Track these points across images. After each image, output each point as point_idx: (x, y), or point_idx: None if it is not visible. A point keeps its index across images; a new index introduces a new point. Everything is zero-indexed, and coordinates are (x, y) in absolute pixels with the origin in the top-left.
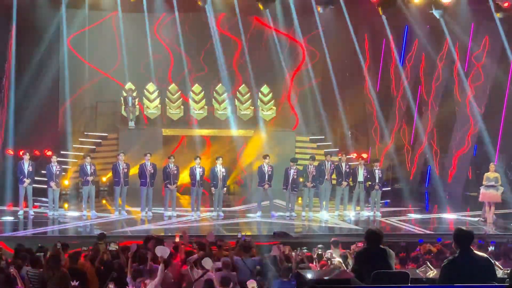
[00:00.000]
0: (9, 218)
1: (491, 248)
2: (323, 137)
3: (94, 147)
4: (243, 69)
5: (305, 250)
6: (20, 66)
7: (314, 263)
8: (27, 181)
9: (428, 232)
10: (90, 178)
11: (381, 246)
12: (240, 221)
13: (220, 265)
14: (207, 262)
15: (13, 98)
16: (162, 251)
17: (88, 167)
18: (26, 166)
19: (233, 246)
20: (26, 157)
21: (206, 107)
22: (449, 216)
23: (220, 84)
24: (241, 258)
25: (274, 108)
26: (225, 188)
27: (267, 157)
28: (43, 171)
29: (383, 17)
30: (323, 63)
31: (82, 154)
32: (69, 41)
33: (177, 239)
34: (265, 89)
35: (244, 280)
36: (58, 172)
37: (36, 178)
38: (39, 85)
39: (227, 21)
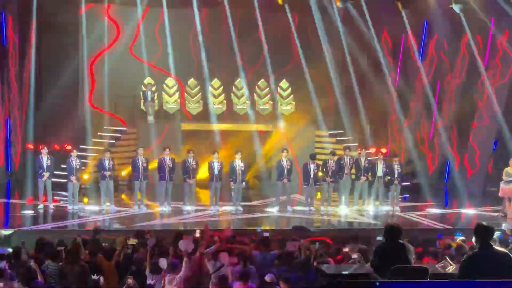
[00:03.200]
0: (29, 212)
1: None
2: (342, 131)
3: (114, 141)
4: (261, 63)
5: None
6: (41, 60)
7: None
8: (46, 174)
9: (447, 227)
10: (107, 173)
11: (400, 241)
12: (259, 216)
13: (237, 260)
14: (224, 257)
15: (33, 92)
16: (186, 245)
17: (107, 161)
18: (45, 160)
19: (251, 240)
20: (45, 151)
21: (225, 101)
22: (469, 211)
23: (239, 79)
24: (260, 252)
25: (293, 102)
26: (244, 183)
27: (286, 151)
28: (63, 165)
29: (403, 12)
30: (342, 57)
31: (101, 148)
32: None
33: (197, 234)
34: (284, 83)
35: (263, 274)
36: (78, 166)
37: (56, 172)
38: (59, 79)
39: (244, 15)
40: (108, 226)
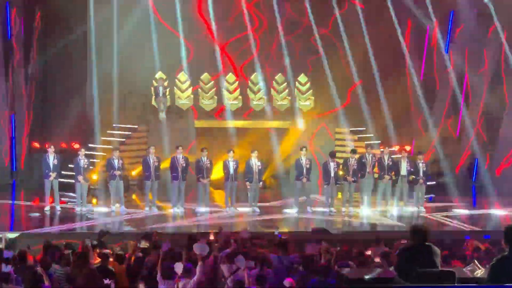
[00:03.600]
0: (36, 214)
1: None
2: (364, 128)
3: (123, 139)
4: (279, 57)
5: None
6: (46, 53)
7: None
8: (52, 175)
9: (475, 228)
10: (117, 173)
11: (426, 243)
12: (276, 217)
13: (253, 264)
14: (240, 260)
15: (39, 87)
16: (201, 249)
17: (116, 161)
18: (51, 159)
19: (269, 243)
20: (51, 150)
21: (240, 97)
22: (499, 212)
23: (256, 73)
24: (278, 256)
25: (312, 98)
26: (260, 183)
27: (305, 149)
28: (70, 165)
29: (427, 1)
30: (364, 50)
31: (110, 147)
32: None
33: (211, 237)
34: (302, 78)
35: (281, 278)
36: (86, 166)
37: (63, 172)
38: (66, 74)
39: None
40: (118, 228)
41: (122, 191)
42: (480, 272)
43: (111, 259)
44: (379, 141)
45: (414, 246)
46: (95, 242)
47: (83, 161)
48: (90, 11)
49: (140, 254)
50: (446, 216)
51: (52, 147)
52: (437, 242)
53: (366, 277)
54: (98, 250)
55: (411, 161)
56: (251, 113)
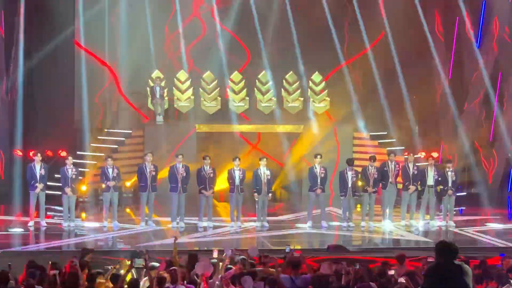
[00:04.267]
0: (18, 230)
1: None
2: (386, 133)
3: (116, 146)
4: (290, 54)
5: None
6: (30, 53)
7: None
8: (39, 186)
9: (511, 245)
10: (111, 184)
11: (455, 262)
12: (288, 233)
13: (262, 286)
14: (247, 282)
15: (21, 89)
16: (204, 268)
17: (110, 170)
18: (38, 169)
19: (280, 262)
20: (38, 158)
21: (247, 98)
22: None
23: (264, 72)
24: (290, 276)
25: (328, 99)
26: (270, 194)
27: (319, 157)
28: (57, 175)
29: None
30: (385, 45)
31: (102, 155)
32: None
33: (215, 255)
34: (316, 77)
35: None
36: (74, 176)
37: (48, 183)
38: (51, 75)
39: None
40: (111, 246)
41: (116, 204)
42: None
43: (102, 280)
44: (403, 147)
45: (442, 265)
46: (75, 262)
47: (70, 171)
48: (79, 7)
49: (135, 275)
50: (479, 231)
51: (39, 155)
52: (468, 261)
53: None
54: (87, 271)
55: (439, 169)
56: (259, 116)
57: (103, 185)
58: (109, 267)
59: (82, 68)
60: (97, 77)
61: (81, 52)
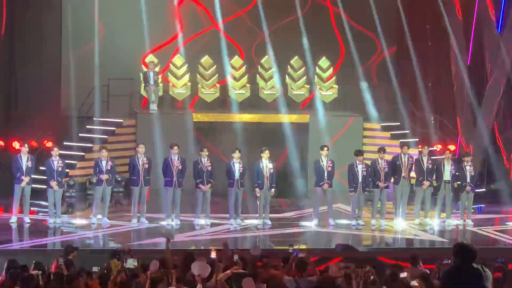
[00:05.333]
0: None
1: None
2: (399, 123)
3: (106, 136)
4: (296, 36)
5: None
6: (12, 33)
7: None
8: (25, 179)
9: None
10: (104, 177)
11: (474, 265)
12: (292, 231)
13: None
14: (248, 283)
15: (3, 74)
16: (201, 269)
17: (104, 162)
18: (24, 161)
19: (283, 263)
20: (25, 149)
21: (248, 85)
22: None
23: (267, 57)
24: (294, 279)
25: (336, 86)
26: (272, 189)
27: (326, 149)
28: (41, 168)
29: None
30: (399, 28)
31: (90, 145)
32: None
33: (213, 254)
34: (324, 62)
35: None
36: (60, 169)
37: (33, 176)
38: (35, 57)
39: None
40: (101, 244)
41: (108, 200)
42: None
43: (91, 282)
44: (417, 139)
45: (460, 267)
46: (61, 262)
47: (56, 163)
48: None
49: (125, 276)
50: (499, 231)
51: (26, 145)
52: (487, 263)
53: None
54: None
55: (456, 163)
56: (261, 104)
57: (95, 179)
58: (97, 268)
59: (69, 47)
60: (87, 61)
61: (68, 33)
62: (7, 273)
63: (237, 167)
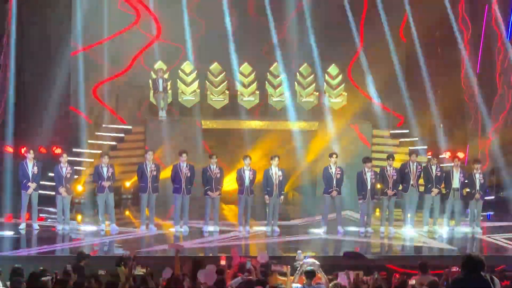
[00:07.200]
0: (8, 233)
1: None
2: (408, 131)
3: (115, 143)
4: (303, 44)
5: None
6: (22, 41)
7: None
8: (32, 186)
9: None
10: (106, 184)
11: (483, 275)
12: (300, 239)
13: None
14: None
15: (13, 81)
16: (207, 276)
17: (105, 169)
18: (30, 167)
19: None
20: (30, 156)
21: (257, 92)
22: None
23: (276, 64)
24: (302, 286)
25: (345, 94)
26: (282, 196)
27: (335, 156)
28: (50, 174)
29: None
30: (407, 33)
31: (99, 152)
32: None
33: (222, 262)
34: (333, 69)
35: None
36: (69, 175)
37: (42, 182)
38: (45, 65)
39: None
40: (108, 251)
41: (112, 206)
42: None
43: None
44: (426, 147)
45: (469, 276)
46: (69, 268)
47: (65, 169)
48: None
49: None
50: (508, 239)
51: (31, 152)
52: (496, 271)
53: None
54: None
55: (465, 171)
56: (270, 112)
57: (97, 186)
58: (103, 271)
59: (79, 56)
60: (96, 69)
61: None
62: (13, 281)
63: (247, 174)
